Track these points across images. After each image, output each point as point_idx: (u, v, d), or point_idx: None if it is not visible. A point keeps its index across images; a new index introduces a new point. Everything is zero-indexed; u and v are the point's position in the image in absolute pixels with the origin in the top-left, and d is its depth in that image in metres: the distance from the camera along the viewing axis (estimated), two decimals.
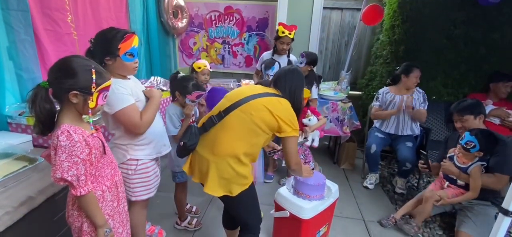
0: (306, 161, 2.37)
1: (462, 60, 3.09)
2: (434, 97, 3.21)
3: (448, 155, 2.17)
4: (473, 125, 2.03)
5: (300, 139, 2.35)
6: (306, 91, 2.38)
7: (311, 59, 2.68)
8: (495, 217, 2.07)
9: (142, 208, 1.64)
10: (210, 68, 2.52)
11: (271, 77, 2.41)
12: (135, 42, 1.46)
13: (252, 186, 1.45)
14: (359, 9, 3.65)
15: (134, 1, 3.09)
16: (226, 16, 4.03)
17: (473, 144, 1.95)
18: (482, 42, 3.00)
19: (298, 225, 1.80)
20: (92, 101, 1.08)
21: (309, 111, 2.35)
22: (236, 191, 1.36)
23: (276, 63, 2.66)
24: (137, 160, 1.52)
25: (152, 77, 2.98)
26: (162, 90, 2.78)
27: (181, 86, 1.82)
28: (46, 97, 1.05)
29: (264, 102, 1.39)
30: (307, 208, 1.78)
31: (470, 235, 2.00)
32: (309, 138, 2.29)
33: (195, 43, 4.18)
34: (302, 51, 2.73)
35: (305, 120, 2.31)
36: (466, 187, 2.07)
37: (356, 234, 2.16)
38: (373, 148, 2.71)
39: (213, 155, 1.36)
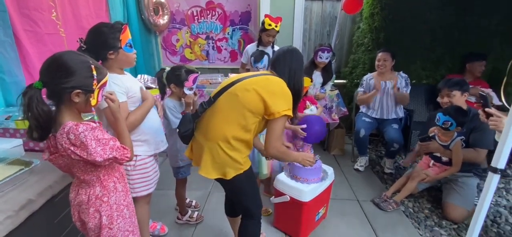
0: (310, 147, 2.44)
1: (438, 43, 3.27)
2: (414, 81, 3.37)
3: (430, 135, 2.31)
4: (459, 100, 2.16)
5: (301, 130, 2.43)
6: (306, 80, 2.45)
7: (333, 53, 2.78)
8: (478, 186, 2.25)
9: (145, 203, 1.63)
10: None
11: (261, 70, 2.46)
12: (129, 33, 1.45)
13: (249, 173, 1.43)
14: (338, 0, 3.75)
15: None
16: (208, 11, 4.00)
17: (449, 122, 2.08)
18: (455, 26, 3.19)
19: (299, 208, 1.86)
20: (94, 98, 1.06)
21: (308, 101, 2.41)
22: (230, 174, 1.35)
23: (266, 55, 2.68)
24: (136, 156, 1.50)
25: (139, 76, 2.91)
26: (150, 88, 2.73)
27: (174, 77, 1.80)
28: (41, 98, 0.99)
29: (251, 81, 1.36)
30: (306, 191, 1.83)
31: (456, 204, 2.15)
32: None
33: (178, 40, 4.11)
34: (324, 46, 2.80)
35: (307, 111, 2.37)
36: (449, 163, 2.21)
37: (352, 214, 2.25)
38: (362, 132, 2.81)
39: (207, 140, 1.38)
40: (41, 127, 0.99)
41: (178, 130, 1.48)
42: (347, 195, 2.47)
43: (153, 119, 1.62)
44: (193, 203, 2.29)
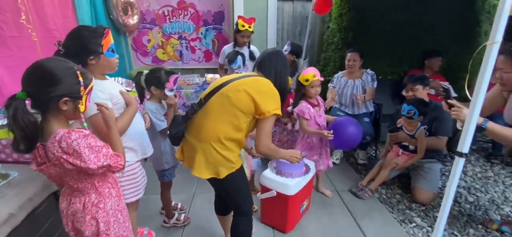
0: (295, 142, 2.53)
1: (400, 42, 3.55)
2: (381, 77, 3.61)
3: (398, 126, 2.52)
4: (422, 93, 2.39)
5: (289, 127, 2.52)
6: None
7: (296, 49, 2.83)
8: (440, 170, 2.50)
9: (133, 209, 1.59)
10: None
11: (235, 71, 2.50)
12: (111, 37, 1.41)
13: (240, 170, 1.47)
14: (308, 0, 3.90)
15: None
16: (180, 11, 3.94)
17: (413, 111, 2.30)
18: (414, 26, 3.48)
19: (285, 202, 1.93)
20: (82, 104, 1.03)
21: (291, 99, 2.50)
22: (223, 173, 1.39)
23: (239, 56, 2.72)
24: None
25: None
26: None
27: (154, 79, 1.78)
28: (26, 109, 0.94)
29: (241, 82, 1.41)
30: (291, 185, 1.91)
31: (423, 188, 2.37)
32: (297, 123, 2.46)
33: (149, 40, 3.99)
34: (289, 41, 2.87)
35: (289, 109, 2.45)
36: (416, 151, 2.43)
37: (332, 204, 2.38)
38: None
39: (199, 141, 1.40)
40: (28, 138, 0.94)
41: (169, 131, 1.48)
42: (326, 186, 2.60)
43: (138, 123, 1.59)
44: (179, 206, 2.26)
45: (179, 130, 1.45)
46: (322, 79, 2.18)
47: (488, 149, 3.31)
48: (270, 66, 1.48)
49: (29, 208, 1.27)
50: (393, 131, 2.55)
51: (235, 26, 2.90)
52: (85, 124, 1.07)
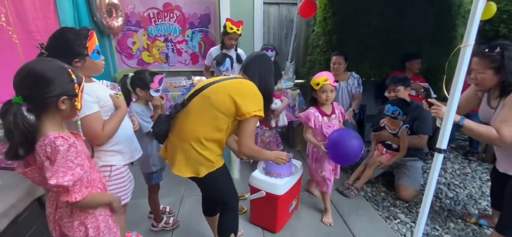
0: (278, 143, 2.56)
1: (381, 45, 3.66)
2: (364, 78, 3.72)
3: (382, 125, 2.61)
4: (403, 94, 2.48)
5: (273, 124, 2.54)
6: None
7: (277, 51, 2.88)
8: (422, 168, 2.60)
9: (121, 214, 1.56)
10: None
11: (223, 73, 2.52)
12: (96, 39, 1.39)
13: (222, 169, 1.50)
14: (294, 4, 3.97)
15: (63, 0, 2.77)
16: (165, 13, 3.91)
17: (397, 112, 2.40)
18: (395, 30, 3.61)
19: (274, 202, 1.96)
20: (78, 101, 1.02)
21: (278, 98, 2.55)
22: (203, 172, 1.42)
23: (227, 58, 2.73)
24: (111, 166, 1.45)
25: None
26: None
27: (139, 81, 1.78)
28: (24, 113, 0.93)
29: (223, 85, 1.44)
30: (280, 185, 1.94)
31: (406, 185, 2.46)
32: (280, 119, 2.49)
33: (134, 43, 3.94)
34: (268, 46, 2.90)
35: (272, 105, 2.49)
36: (398, 150, 2.52)
37: (320, 203, 2.42)
38: None
39: (180, 140, 1.43)
40: (28, 142, 0.93)
41: (152, 129, 1.52)
42: (314, 186, 2.64)
43: (126, 126, 1.57)
44: (167, 209, 2.24)
45: (161, 128, 1.48)
46: (335, 84, 1.96)
47: (465, 147, 3.48)
48: (255, 69, 1.51)
49: (12, 215, 1.23)
50: (377, 130, 2.64)
51: (223, 28, 2.91)
52: (79, 123, 1.06)
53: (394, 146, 2.55)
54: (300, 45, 4.30)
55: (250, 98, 1.41)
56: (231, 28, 2.81)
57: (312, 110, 2.03)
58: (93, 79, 1.46)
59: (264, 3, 4.00)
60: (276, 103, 2.55)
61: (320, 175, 2.10)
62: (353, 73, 3.13)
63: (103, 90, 1.46)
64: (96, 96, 1.37)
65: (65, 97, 0.97)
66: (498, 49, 1.54)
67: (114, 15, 3.57)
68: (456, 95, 1.36)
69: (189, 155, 1.40)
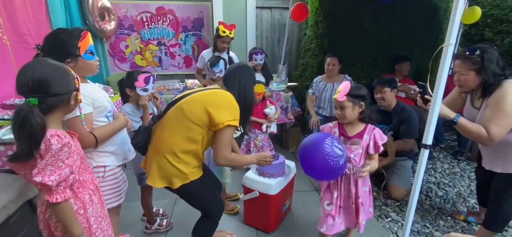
0: (270, 147, 2.58)
1: (372, 48, 3.75)
2: (355, 81, 3.79)
3: None
4: (390, 95, 2.53)
5: (264, 129, 2.57)
6: (260, 87, 2.59)
7: (266, 54, 2.92)
8: (412, 167, 2.65)
9: (114, 215, 1.56)
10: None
11: (217, 74, 2.54)
12: (90, 39, 1.41)
13: (199, 180, 1.49)
14: (286, 8, 4.03)
15: (55, 3, 2.77)
16: (159, 17, 3.92)
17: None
18: (385, 33, 3.69)
19: (268, 202, 1.97)
20: (79, 95, 1.08)
21: (268, 102, 2.57)
22: (176, 184, 1.43)
23: (221, 60, 2.76)
24: (104, 166, 1.45)
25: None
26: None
27: (127, 82, 1.80)
28: (41, 114, 0.93)
29: (198, 95, 1.46)
30: (273, 185, 1.96)
31: (397, 185, 2.50)
32: (272, 126, 2.52)
33: (127, 46, 3.94)
34: (257, 50, 2.93)
35: (266, 110, 2.53)
36: (385, 154, 2.57)
37: (312, 203, 2.45)
38: (315, 129, 3.07)
39: (155, 153, 1.45)
40: (39, 143, 0.94)
41: (131, 141, 1.54)
42: (307, 186, 2.67)
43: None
44: (160, 212, 2.23)
45: (139, 140, 1.50)
46: (343, 99, 1.49)
47: (454, 147, 3.55)
48: (234, 79, 1.51)
49: (3, 217, 1.22)
50: None
51: (215, 32, 2.94)
52: (82, 116, 1.10)
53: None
54: (293, 49, 4.36)
55: (224, 108, 1.40)
56: (224, 32, 2.83)
57: (331, 124, 1.69)
58: (88, 80, 1.47)
59: (257, 7, 4.05)
60: (272, 109, 2.59)
61: (352, 204, 1.63)
62: (346, 75, 3.19)
63: (98, 91, 1.47)
64: (91, 97, 1.37)
65: (75, 91, 1.02)
66: (478, 52, 1.61)
67: (106, 18, 3.57)
68: (439, 92, 1.41)
69: (162, 167, 1.42)
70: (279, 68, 3.71)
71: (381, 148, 1.56)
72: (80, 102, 1.08)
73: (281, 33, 4.24)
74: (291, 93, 3.42)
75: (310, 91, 3.28)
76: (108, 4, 3.54)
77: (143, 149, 1.53)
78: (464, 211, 2.32)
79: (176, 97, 1.52)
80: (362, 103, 1.52)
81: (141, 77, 1.74)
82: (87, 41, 1.36)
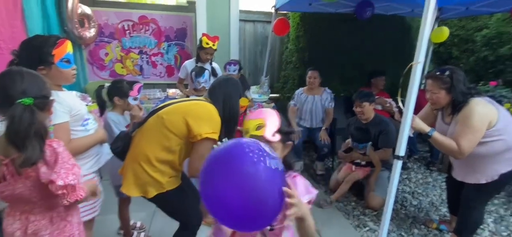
0: None
1: (349, 62, 3.91)
2: (334, 94, 3.92)
3: (350, 146, 2.76)
4: (368, 109, 2.64)
5: None
6: (244, 100, 2.62)
7: (240, 66, 2.95)
8: (388, 177, 2.75)
9: (88, 229, 1.50)
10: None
11: (202, 84, 2.55)
12: (69, 47, 1.39)
13: (175, 190, 1.48)
14: (268, 22, 4.12)
15: (31, 9, 2.68)
16: (141, 26, 3.89)
17: (364, 146, 2.63)
18: (361, 49, 3.87)
19: None
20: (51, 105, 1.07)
21: (248, 112, 2.59)
22: (151, 193, 1.41)
23: (206, 70, 2.77)
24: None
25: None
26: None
27: (117, 90, 1.79)
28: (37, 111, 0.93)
29: (179, 106, 1.46)
30: None
31: (375, 194, 2.59)
32: None
33: (107, 54, 3.85)
34: (231, 61, 2.96)
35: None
36: (366, 165, 2.69)
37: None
38: (296, 140, 3.13)
39: (131, 160, 1.44)
40: (45, 141, 0.95)
41: (110, 146, 1.53)
42: None
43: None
44: (138, 225, 2.17)
45: (117, 146, 1.49)
46: (271, 139, 0.94)
47: (427, 158, 3.73)
48: (219, 92, 1.51)
49: None
50: (347, 152, 2.79)
51: (198, 43, 2.95)
52: (51, 128, 1.05)
53: (363, 162, 2.70)
54: (275, 61, 4.45)
55: (204, 120, 1.39)
56: (207, 43, 2.86)
57: None
58: (63, 88, 1.44)
59: (240, 20, 4.12)
60: None
61: None
62: (327, 88, 3.30)
63: (75, 99, 1.44)
64: (68, 105, 1.35)
65: (52, 98, 1.02)
66: (447, 72, 1.74)
67: (86, 25, 3.50)
68: (410, 106, 1.51)
69: (138, 175, 1.40)
70: (262, 79, 3.77)
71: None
72: (51, 112, 1.06)
73: (264, 45, 4.32)
74: (273, 104, 3.48)
75: (292, 102, 3.36)
76: (88, 11, 3.47)
77: (122, 155, 1.51)
78: (437, 219, 2.43)
79: (158, 106, 1.51)
80: (291, 142, 1.05)
81: (136, 87, 1.77)
82: (64, 49, 1.33)
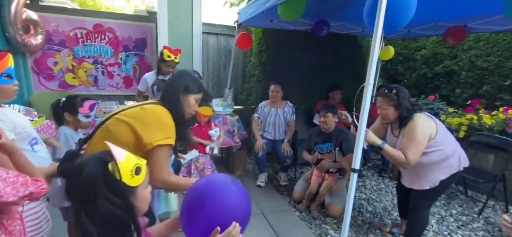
0: (213, 169, 2.56)
1: (309, 77, 4.11)
2: (295, 106, 4.08)
3: (319, 158, 2.88)
4: (331, 120, 2.78)
5: (208, 150, 2.54)
6: (207, 109, 2.60)
7: (199, 75, 2.94)
8: (346, 186, 2.91)
9: None
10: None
11: None
12: (10, 61, 1.28)
13: None
14: (231, 35, 4.17)
15: None
16: (96, 35, 3.67)
17: (329, 147, 2.75)
18: (319, 65, 4.11)
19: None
20: None
21: (213, 124, 2.58)
22: None
23: None
24: None
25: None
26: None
27: (68, 106, 1.72)
28: None
29: (124, 113, 1.31)
30: None
31: (334, 203, 2.72)
32: (215, 148, 2.52)
33: (56, 63, 3.55)
34: (192, 70, 2.93)
35: (211, 132, 2.52)
36: (336, 172, 2.82)
37: (259, 227, 2.48)
38: (260, 152, 3.18)
39: None
40: None
41: (57, 167, 1.37)
42: (254, 209, 2.69)
43: (43, 156, 1.41)
44: None
45: (65, 167, 1.35)
46: None
47: (379, 166, 4.04)
48: (166, 91, 1.42)
49: None
50: (317, 163, 2.91)
51: (160, 55, 2.87)
52: None
53: (333, 170, 2.83)
54: (238, 74, 4.50)
55: (152, 126, 1.26)
56: (169, 56, 2.79)
57: None
58: (3, 104, 1.31)
59: (203, 32, 4.10)
60: (216, 131, 2.62)
61: None
62: (288, 102, 3.42)
63: (19, 116, 1.32)
64: (12, 122, 1.23)
65: None
66: (394, 91, 1.95)
67: (32, 32, 3.20)
68: (363, 123, 1.65)
69: None
70: (226, 92, 3.78)
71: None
72: None
73: (227, 58, 4.35)
74: (237, 116, 3.50)
75: (255, 115, 3.42)
76: (34, 17, 3.18)
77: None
78: (389, 223, 2.63)
79: (105, 117, 1.35)
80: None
81: (86, 104, 1.70)
82: (4, 64, 1.23)
